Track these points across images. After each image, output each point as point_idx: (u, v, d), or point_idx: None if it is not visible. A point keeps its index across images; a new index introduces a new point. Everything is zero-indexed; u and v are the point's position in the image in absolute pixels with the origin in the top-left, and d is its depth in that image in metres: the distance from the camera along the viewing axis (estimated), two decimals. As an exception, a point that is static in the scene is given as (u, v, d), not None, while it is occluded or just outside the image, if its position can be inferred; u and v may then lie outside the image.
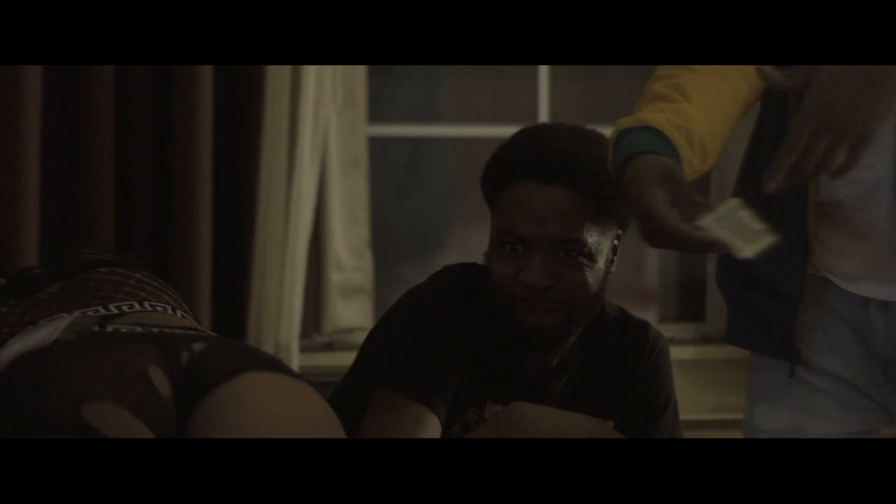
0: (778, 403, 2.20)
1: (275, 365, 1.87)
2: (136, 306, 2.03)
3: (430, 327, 2.21)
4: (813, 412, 2.16)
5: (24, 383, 1.76)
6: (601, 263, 2.23)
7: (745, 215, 1.86)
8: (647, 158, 1.93)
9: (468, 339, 2.23)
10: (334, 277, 4.43)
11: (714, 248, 1.86)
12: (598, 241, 2.22)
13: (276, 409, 1.80)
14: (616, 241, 2.27)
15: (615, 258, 2.28)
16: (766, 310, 2.17)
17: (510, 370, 2.28)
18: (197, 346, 1.84)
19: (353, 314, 4.41)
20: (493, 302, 2.25)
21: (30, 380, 1.76)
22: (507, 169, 2.25)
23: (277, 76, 4.11)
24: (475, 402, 2.26)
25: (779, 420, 2.19)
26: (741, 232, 1.86)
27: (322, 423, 1.84)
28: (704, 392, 4.42)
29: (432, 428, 2.16)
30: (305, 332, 4.35)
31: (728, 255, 2.23)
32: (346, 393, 2.24)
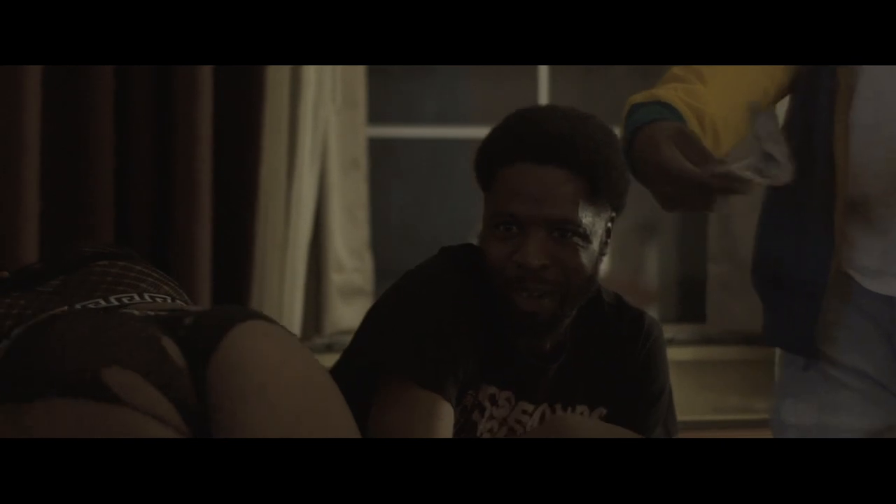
0: (804, 399, 2.21)
1: (256, 314, 1.92)
2: (137, 298, 2.05)
3: (435, 311, 2.21)
4: (839, 408, 2.17)
5: (42, 345, 1.79)
6: (595, 245, 2.23)
7: (770, 150, 1.86)
8: (657, 124, 1.94)
9: (470, 321, 2.22)
10: (335, 279, 4.43)
11: (743, 186, 1.85)
12: (593, 222, 2.22)
13: (271, 349, 1.86)
14: (610, 224, 2.27)
15: (608, 241, 2.28)
16: (791, 306, 2.18)
17: (505, 353, 2.27)
18: (188, 320, 1.88)
19: (354, 315, 4.40)
20: (489, 283, 2.25)
21: (48, 342, 1.78)
22: (502, 150, 2.24)
23: (277, 77, 4.11)
24: (472, 385, 2.25)
25: (805, 416, 2.20)
26: (769, 166, 1.85)
27: (304, 358, 1.89)
28: (704, 392, 4.42)
29: (447, 417, 2.16)
30: (306, 334, 4.35)
31: (759, 255, 2.25)
32: (345, 376, 2.23)
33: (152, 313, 1.94)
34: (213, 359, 1.82)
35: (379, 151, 4.63)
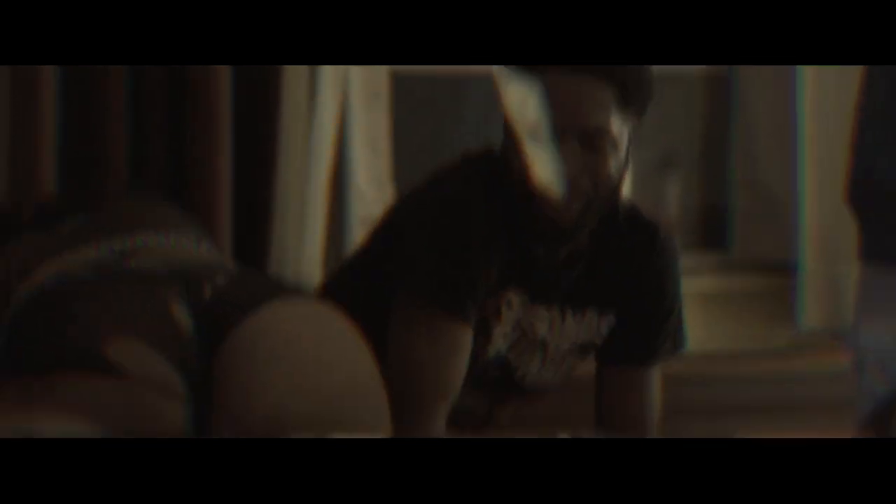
0: (886, 322, 2.22)
1: (297, 292, 1.90)
2: (162, 240, 2.04)
3: (459, 228, 2.22)
4: None
5: (46, 319, 1.78)
6: (622, 154, 2.24)
7: None
8: None
9: (493, 234, 2.23)
10: (356, 209, 4.43)
11: None
12: (621, 131, 2.23)
13: (303, 333, 1.84)
14: (632, 133, 2.27)
15: (630, 149, 2.29)
16: (892, 221, 2.19)
17: (522, 260, 2.28)
18: (220, 280, 1.87)
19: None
20: (509, 189, 2.25)
21: (52, 316, 1.78)
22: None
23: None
24: (492, 294, 2.26)
25: (884, 339, 2.22)
26: None
27: (345, 342, 1.88)
28: (726, 322, 4.41)
29: (467, 345, 2.18)
30: (327, 263, 4.35)
31: (858, 171, 2.25)
32: (359, 271, 2.22)
33: (178, 264, 1.92)
34: (231, 335, 1.81)
35: (401, 86, 4.61)
